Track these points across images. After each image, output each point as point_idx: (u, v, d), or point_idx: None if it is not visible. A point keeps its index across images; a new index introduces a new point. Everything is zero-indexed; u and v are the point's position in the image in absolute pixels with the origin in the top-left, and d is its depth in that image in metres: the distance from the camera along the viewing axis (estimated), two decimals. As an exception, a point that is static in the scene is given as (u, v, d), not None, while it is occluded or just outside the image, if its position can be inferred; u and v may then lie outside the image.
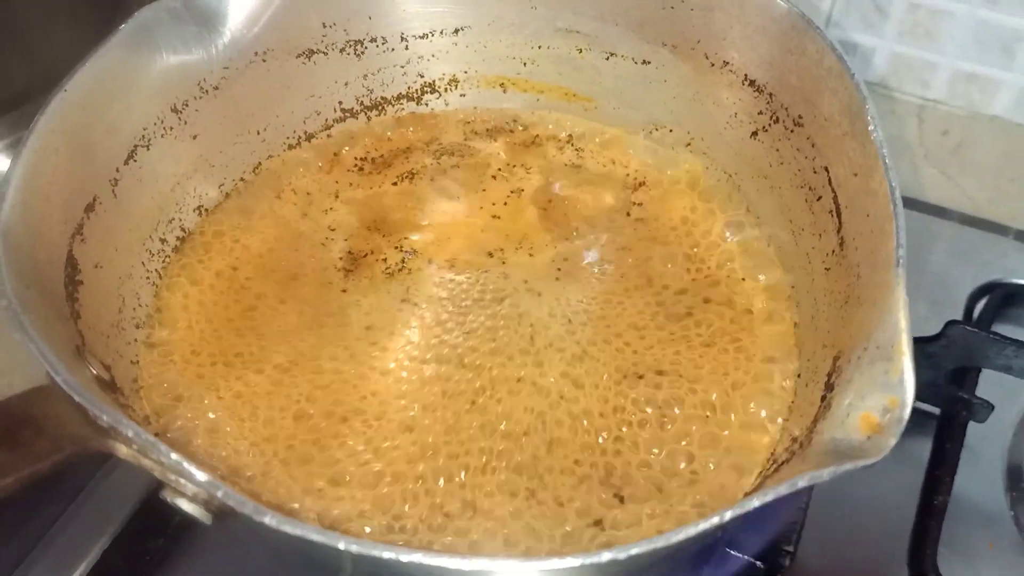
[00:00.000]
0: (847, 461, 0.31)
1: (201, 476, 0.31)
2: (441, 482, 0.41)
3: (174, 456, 0.31)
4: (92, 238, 0.44)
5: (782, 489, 0.30)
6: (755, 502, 0.30)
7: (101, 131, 0.45)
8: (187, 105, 0.50)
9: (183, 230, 0.50)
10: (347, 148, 0.56)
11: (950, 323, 0.49)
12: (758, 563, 0.44)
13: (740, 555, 0.44)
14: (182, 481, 0.33)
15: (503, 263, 0.50)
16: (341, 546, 0.30)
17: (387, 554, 0.29)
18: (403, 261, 0.50)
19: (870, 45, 0.59)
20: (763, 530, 0.44)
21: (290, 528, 0.30)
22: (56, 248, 0.41)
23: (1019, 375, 0.49)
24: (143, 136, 0.48)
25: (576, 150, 0.56)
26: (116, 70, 0.45)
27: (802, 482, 0.30)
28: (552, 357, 0.45)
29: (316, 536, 0.30)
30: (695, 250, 0.50)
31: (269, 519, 0.30)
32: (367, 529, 0.40)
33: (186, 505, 0.34)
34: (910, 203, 0.62)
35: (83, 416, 0.34)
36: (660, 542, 0.30)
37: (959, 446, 0.49)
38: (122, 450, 0.34)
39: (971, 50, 0.57)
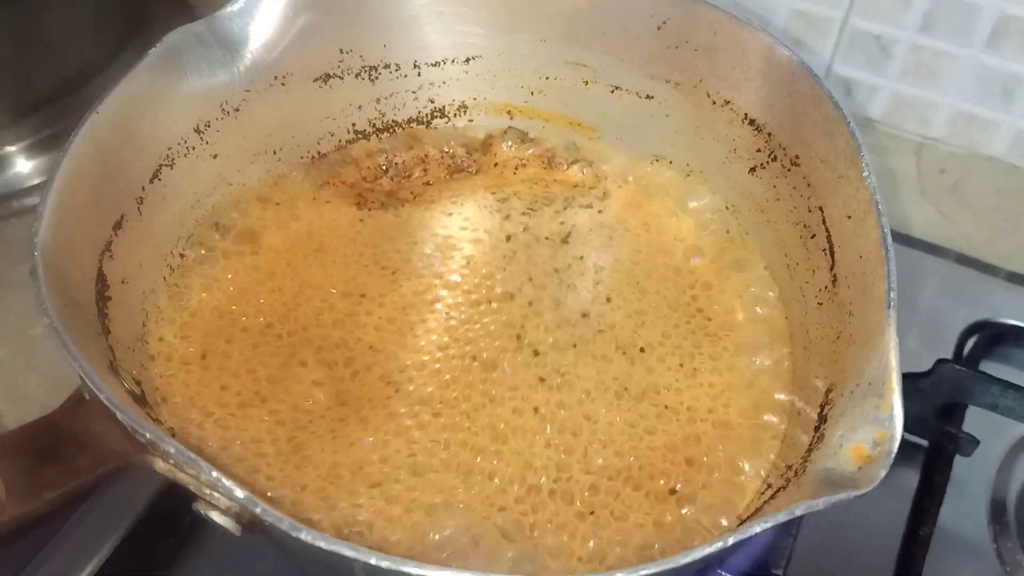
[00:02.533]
0: (840, 491, 0.33)
1: (239, 492, 0.33)
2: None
3: (214, 473, 0.33)
4: (119, 255, 0.45)
5: (781, 516, 0.33)
6: (756, 528, 0.33)
7: (129, 151, 0.47)
8: (209, 126, 0.51)
9: (202, 245, 0.52)
10: (359, 165, 0.58)
11: (940, 361, 0.50)
12: (749, 585, 0.47)
13: (732, 577, 0.46)
14: (216, 495, 0.35)
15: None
16: (373, 561, 0.31)
17: (415, 570, 0.32)
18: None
19: (873, 83, 0.61)
20: (755, 553, 0.46)
21: (324, 544, 0.32)
22: (88, 265, 0.43)
23: (1004, 413, 0.51)
24: (167, 156, 0.49)
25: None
26: (146, 92, 0.47)
27: (799, 510, 0.33)
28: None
29: (349, 552, 0.32)
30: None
31: (305, 535, 0.32)
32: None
33: (218, 517, 0.35)
34: (906, 240, 0.64)
35: (123, 432, 0.35)
36: (668, 564, 0.32)
37: (945, 479, 0.51)
38: (159, 464, 0.36)
39: (972, 92, 0.58)
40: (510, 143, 0.59)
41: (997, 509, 0.52)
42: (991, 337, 0.59)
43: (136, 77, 0.46)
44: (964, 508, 0.52)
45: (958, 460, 0.52)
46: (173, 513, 0.50)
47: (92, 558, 0.49)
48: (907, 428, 0.48)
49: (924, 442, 0.53)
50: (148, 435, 0.34)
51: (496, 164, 0.59)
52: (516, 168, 0.58)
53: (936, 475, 0.52)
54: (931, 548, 0.49)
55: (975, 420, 0.54)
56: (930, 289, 0.62)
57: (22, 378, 0.57)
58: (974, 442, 0.51)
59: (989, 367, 0.56)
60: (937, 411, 0.52)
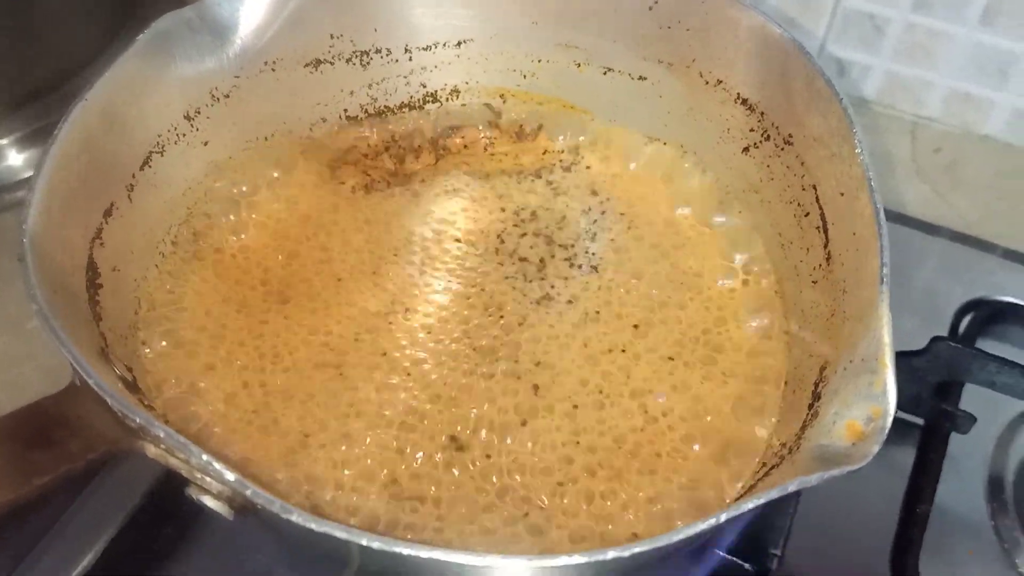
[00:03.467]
0: (833, 467, 0.33)
1: (230, 475, 0.33)
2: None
3: (204, 456, 0.33)
4: (110, 242, 0.45)
5: (774, 493, 0.32)
6: (749, 504, 0.32)
7: (119, 138, 0.46)
8: (199, 112, 0.51)
9: (193, 232, 0.52)
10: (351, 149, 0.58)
11: (935, 339, 0.50)
12: (746, 565, 0.46)
13: (729, 556, 0.46)
14: (207, 479, 0.35)
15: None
16: (364, 542, 0.31)
17: (406, 551, 0.31)
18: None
19: (866, 63, 0.60)
20: (751, 533, 0.46)
21: (316, 525, 0.32)
22: (78, 253, 0.43)
23: (1001, 390, 0.51)
24: (158, 143, 0.49)
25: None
26: (134, 79, 0.47)
27: (792, 486, 0.33)
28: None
29: (340, 533, 0.32)
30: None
31: (296, 517, 0.32)
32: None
33: (210, 502, 0.36)
34: (901, 219, 0.64)
35: (113, 417, 0.35)
36: (662, 541, 0.32)
37: (942, 457, 0.51)
38: (151, 449, 0.36)
39: (966, 70, 0.58)
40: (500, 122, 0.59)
41: (995, 487, 0.52)
42: (987, 315, 0.58)
43: (124, 64, 0.46)
44: (961, 486, 0.52)
45: (954, 438, 0.52)
46: (172, 502, 0.50)
47: (90, 548, 0.49)
48: (903, 406, 0.47)
49: (920, 420, 0.53)
50: (138, 420, 0.34)
51: (478, 144, 0.58)
52: (487, 147, 0.58)
53: (932, 453, 0.51)
54: (928, 526, 0.49)
55: (971, 398, 0.53)
56: (926, 268, 0.62)
57: (19, 369, 0.56)
58: (971, 419, 0.51)
59: (985, 345, 0.55)
60: (933, 389, 0.52)
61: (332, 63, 0.56)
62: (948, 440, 0.52)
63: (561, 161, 0.57)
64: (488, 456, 0.44)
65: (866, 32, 0.59)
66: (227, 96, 0.52)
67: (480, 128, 0.59)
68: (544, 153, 0.58)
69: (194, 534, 0.51)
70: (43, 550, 0.49)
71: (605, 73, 0.57)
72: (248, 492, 0.32)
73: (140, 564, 0.50)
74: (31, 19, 0.64)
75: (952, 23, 0.56)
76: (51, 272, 0.39)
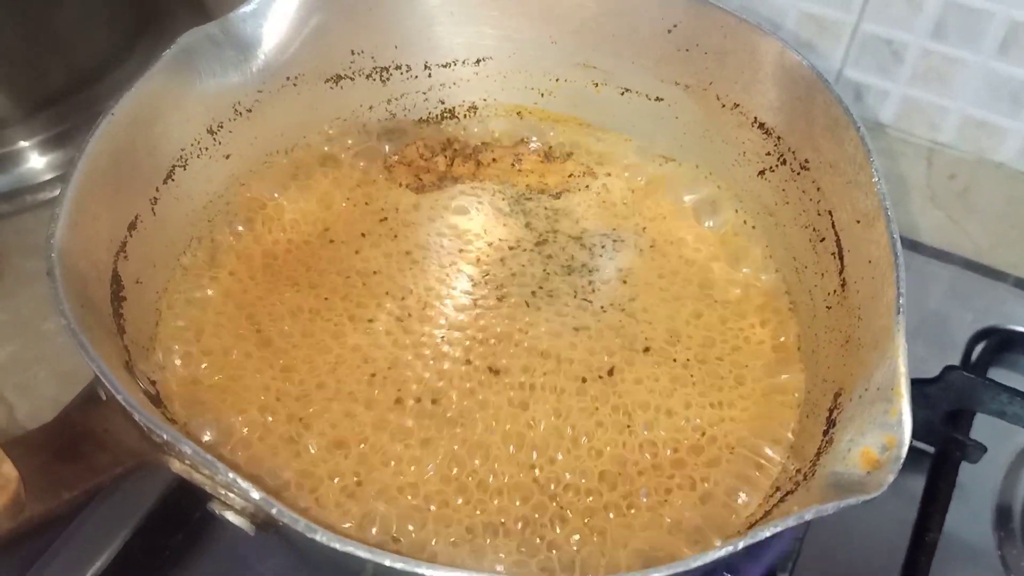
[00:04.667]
0: (849, 495, 0.33)
1: (256, 494, 0.33)
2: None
3: (231, 474, 0.33)
4: (134, 255, 0.46)
5: (791, 520, 0.33)
6: (766, 532, 0.33)
7: (144, 152, 0.47)
8: (222, 127, 0.52)
9: (214, 245, 0.52)
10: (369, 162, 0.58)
11: (948, 368, 0.51)
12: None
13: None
14: (231, 495, 0.36)
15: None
16: (387, 563, 0.32)
17: (428, 571, 0.32)
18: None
19: (884, 88, 0.61)
20: (761, 557, 0.46)
21: (339, 545, 0.32)
22: (103, 266, 0.43)
23: (1012, 420, 0.51)
24: (181, 156, 0.50)
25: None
26: (159, 94, 0.47)
27: (809, 515, 0.33)
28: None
29: (363, 553, 0.32)
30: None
31: (320, 536, 0.32)
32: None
33: (233, 517, 0.36)
34: (915, 246, 0.64)
35: (139, 432, 0.36)
36: (680, 567, 0.32)
37: (951, 485, 0.52)
38: (175, 464, 0.36)
39: (982, 97, 0.58)
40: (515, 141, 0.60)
41: (1002, 516, 0.52)
42: (999, 344, 0.58)
43: (150, 79, 0.47)
44: (970, 514, 0.52)
45: (964, 467, 0.52)
46: (183, 509, 0.51)
47: (102, 553, 0.49)
48: (914, 434, 0.48)
49: (931, 449, 0.53)
50: (165, 436, 0.34)
51: (497, 160, 0.59)
52: (513, 163, 0.59)
53: (942, 481, 0.52)
54: (936, 554, 0.49)
55: (981, 427, 0.54)
56: (938, 295, 0.62)
57: (32, 371, 0.57)
58: (981, 449, 0.51)
59: (997, 374, 0.56)
60: (944, 418, 0.52)
61: (352, 79, 0.56)
62: (958, 469, 0.52)
63: (585, 183, 0.58)
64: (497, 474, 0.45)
65: (883, 57, 0.59)
66: (249, 111, 0.52)
67: (509, 146, 0.60)
68: (570, 176, 0.58)
69: (205, 540, 0.51)
70: (55, 553, 0.49)
71: (623, 94, 0.57)
72: (274, 511, 0.33)
73: (151, 569, 0.51)
74: (52, 24, 0.65)
75: (969, 51, 0.56)
76: (78, 286, 0.40)
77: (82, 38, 0.67)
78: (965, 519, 0.51)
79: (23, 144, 0.67)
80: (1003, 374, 0.57)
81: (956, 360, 0.58)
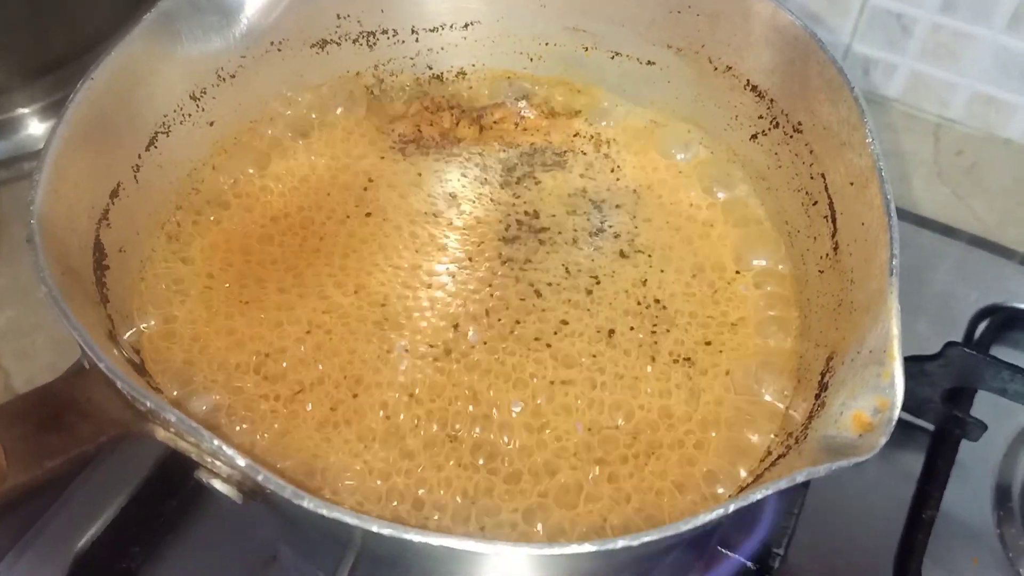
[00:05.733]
0: (841, 457, 0.33)
1: (241, 461, 0.33)
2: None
3: (216, 442, 0.33)
4: (116, 223, 0.45)
5: (782, 483, 0.33)
6: (757, 494, 0.33)
7: (125, 118, 0.46)
8: (205, 92, 0.51)
9: (198, 212, 0.51)
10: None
11: (949, 344, 0.50)
12: (749, 563, 0.46)
13: (732, 554, 0.46)
14: (218, 463, 0.35)
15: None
16: (374, 529, 0.32)
17: (416, 537, 0.32)
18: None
19: (892, 62, 0.60)
20: (755, 530, 0.46)
21: (326, 511, 0.32)
22: (85, 234, 0.43)
23: (1013, 398, 0.50)
24: (163, 123, 0.49)
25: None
26: (140, 59, 0.46)
27: (800, 477, 0.33)
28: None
29: (350, 519, 0.32)
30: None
31: (307, 503, 0.32)
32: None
33: (220, 486, 0.36)
34: (920, 221, 0.63)
35: (123, 400, 0.35)
36: (670, 530, 0.32)
37: (950, 463, 0.51)
38: (160, 433, 0.36)
39: (991, 73, 0.58)
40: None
41: (1002, 495, 0.52)
42: (1002, 321, 0.58)
43: (130, 44, 0.46)
44: (968, 493, 0.51)
45: (963, 445, 0.52)
46: (177, 476, 0.50)
47: (97, 519, 0.49)
48: (914, 411, 0.47)
49: (930, 426, 0.53)
50: (149, 404, 0.34)
51: (496, 121, 0.58)
52: (516, 123, 0.58)
53: (941, 459, 0.51)
54: (933, 532, 0.49)
55: (982, 405, 0.53)
56: (942, 271, 0.61)
57: (31, 338, 0.57)
58: (982, 427, 0.51)
59: (999, 352, 0.55)
60: (944, 395, 0.51)
61: (338, 44, 0.55)
62: (958, 446, 0.52)
63: (590, 142, 0.57)
64: (505, 440, 0.44)
65: (892, 31, 0.58)
66: (233, 76, 0.52)
67: (511, 104, 0.59)
68: (575, 136, 0.57)
69: (198, 507, 0.51)
70: (49, 519, 0.49)
71: (613, 57, 0.56)
72: (259, 477, 0.32)
73: (145, 535, 0.50)
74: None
75: (978, 26, 0.56)
76: (59, 253, 0.39)
77: (83, 3, 0.66)
78: (964, 498, 0.51)
79: (22, 111, 0.66)
80: (1006, 352, 0.56)
81: (958, 338, 0.57)
